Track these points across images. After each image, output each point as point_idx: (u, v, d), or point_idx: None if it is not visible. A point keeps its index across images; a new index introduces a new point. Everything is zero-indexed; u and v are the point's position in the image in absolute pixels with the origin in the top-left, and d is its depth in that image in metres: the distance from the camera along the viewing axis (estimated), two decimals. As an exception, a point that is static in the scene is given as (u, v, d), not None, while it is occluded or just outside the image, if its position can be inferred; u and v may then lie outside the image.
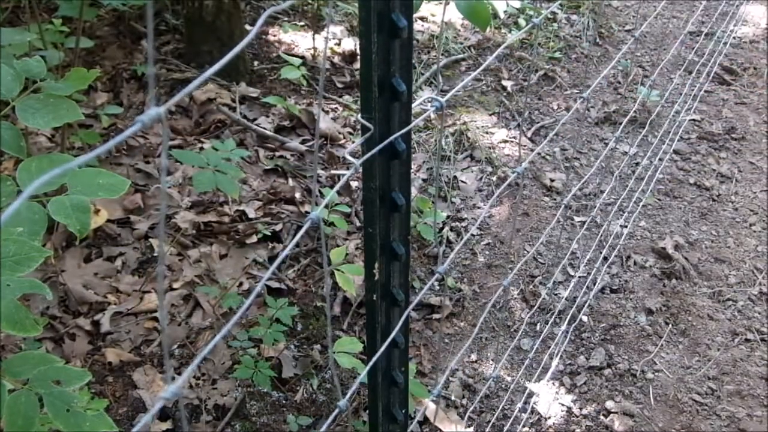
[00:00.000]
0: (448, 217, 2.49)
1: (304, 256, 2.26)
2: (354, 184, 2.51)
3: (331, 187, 2.49)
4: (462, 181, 2.67)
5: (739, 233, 2.50)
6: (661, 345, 2.08)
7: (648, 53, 3.64)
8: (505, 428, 1.83)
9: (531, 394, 1.92)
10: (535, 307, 2.15)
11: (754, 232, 2.51)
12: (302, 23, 3.47)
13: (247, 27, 3.17)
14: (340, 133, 2.79)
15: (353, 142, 2.73)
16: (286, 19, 3.50)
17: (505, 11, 3.69)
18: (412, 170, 1.15)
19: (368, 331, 0.79)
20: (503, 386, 1.96)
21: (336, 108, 2.96)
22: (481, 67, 1.00)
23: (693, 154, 2.93)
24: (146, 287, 2.09)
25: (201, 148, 2.53)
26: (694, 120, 3.14)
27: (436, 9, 3.68)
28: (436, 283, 2.27)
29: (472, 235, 2.43)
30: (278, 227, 2.32)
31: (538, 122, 3.08)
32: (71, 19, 2.32)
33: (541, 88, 3.31)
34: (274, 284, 2.13)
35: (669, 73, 3.45)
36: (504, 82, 3.29)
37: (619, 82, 3.39)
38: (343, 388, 1.89)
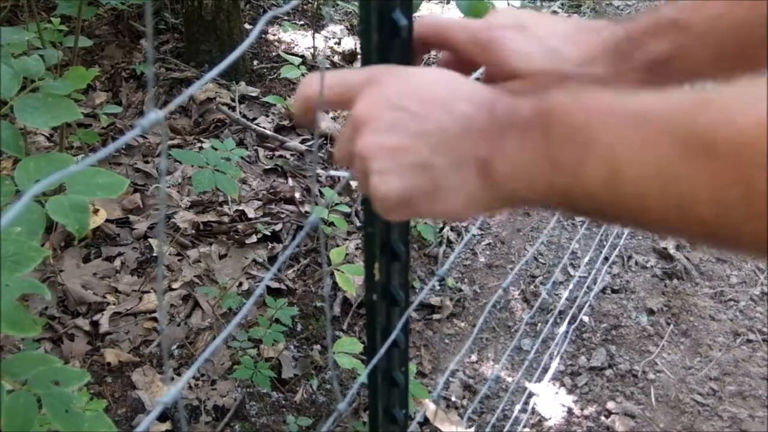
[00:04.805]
0: (448, 216, 2.48)
1: (303, 256, 2.25)
2: (354, 183, 2.50)
3: (331, 187, 2.48)
4: (462, 181, 2.66)
5: (740, 233, 2.49)
6: (663, 345, 2.08)
7: (648, 53, 3.63)
8: (506, 429, 1.82)
9: (531, 395, 1.92)
10: (536, 307, 2.15)
11: (755, 232, 2.50)
12: (302, 22, 3.47)
13: (247, 26, 3.17)
14: (339, 132, 2.79)
15: (353, 142, 2.72)
16: (285, 18, 3.49)
17: (505, 10, 3.68)
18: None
19: (368, 331, 0.78)
20: (503, 387, 1.95)
21: (336, 107, 2.95)
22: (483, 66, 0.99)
23: (694, 153, 2.93)
24: (145, 287, 2.09)
25: (200, 148, 2.53)
26: (694, 119, 3.14)
27: (437, 8, 3.68)
28: (436, 284, 2.26)
29: (473, 234, 2.42)
30: (278, 227, 2.31)
31: (538, 122, 3.07)
32: (70, 18, 2.31)
33: (541, 88, 3.31)
34: (274, 284, 2.12)
35: (669, 72, 3.45)
36: (504, 82, 3.28)
37: (620, 82, 3.38)
38: (343, 389, 1.88)
